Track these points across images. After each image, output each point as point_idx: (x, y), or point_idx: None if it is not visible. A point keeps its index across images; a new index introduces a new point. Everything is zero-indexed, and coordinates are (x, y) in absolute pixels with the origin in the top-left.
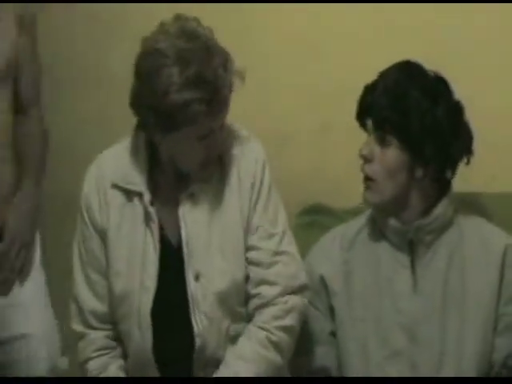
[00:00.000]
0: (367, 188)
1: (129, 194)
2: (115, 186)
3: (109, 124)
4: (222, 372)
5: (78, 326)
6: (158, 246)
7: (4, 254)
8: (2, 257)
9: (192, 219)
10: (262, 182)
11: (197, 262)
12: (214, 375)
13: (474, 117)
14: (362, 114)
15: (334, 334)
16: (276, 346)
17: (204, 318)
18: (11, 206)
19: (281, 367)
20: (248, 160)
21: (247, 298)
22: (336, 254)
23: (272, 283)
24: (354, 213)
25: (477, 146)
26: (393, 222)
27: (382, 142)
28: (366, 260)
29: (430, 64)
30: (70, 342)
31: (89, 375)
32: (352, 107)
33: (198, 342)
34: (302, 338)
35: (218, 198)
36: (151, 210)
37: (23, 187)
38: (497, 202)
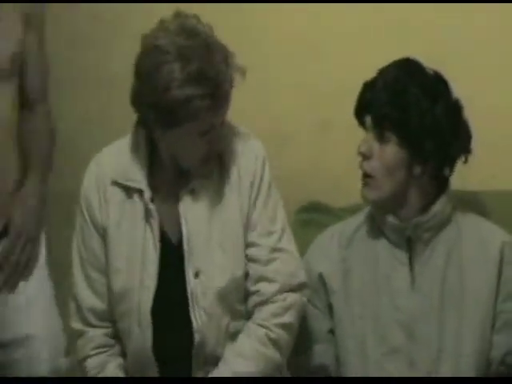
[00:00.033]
0: (365, 185)
1: (129, 191)
2: (115, 183)
3: (110, 123)
4: (221, 369)
5: (76, 324)
6: (158, 243)
7: (9, 249)
8: (7, 252)
9: (192, 215)
10: (261, 179)
11: (197, 259)
12: (214, 372)
13: (473, 116)
14: (361, 111)
15: (332, 331)
16: (275, 343)
17: (203, 314)
18: (17, 202)
19: (280, 365)
20: (248, 157)
21: (246, 295)
22: (334, 252)
23: (271, 280)
24: (352, 211)
25: (477, 145)
26: (391, 219)
27: (381, 139)
28: (364, 257)
29: (430, 64)
30: (70, 340)
31: (87, 373)
32: (352, 107)
33: (196, 337)
34: (301, 336)
35: (218, 194)
36: (152, 207)
37: (28, 183)
38: (495, 200)
